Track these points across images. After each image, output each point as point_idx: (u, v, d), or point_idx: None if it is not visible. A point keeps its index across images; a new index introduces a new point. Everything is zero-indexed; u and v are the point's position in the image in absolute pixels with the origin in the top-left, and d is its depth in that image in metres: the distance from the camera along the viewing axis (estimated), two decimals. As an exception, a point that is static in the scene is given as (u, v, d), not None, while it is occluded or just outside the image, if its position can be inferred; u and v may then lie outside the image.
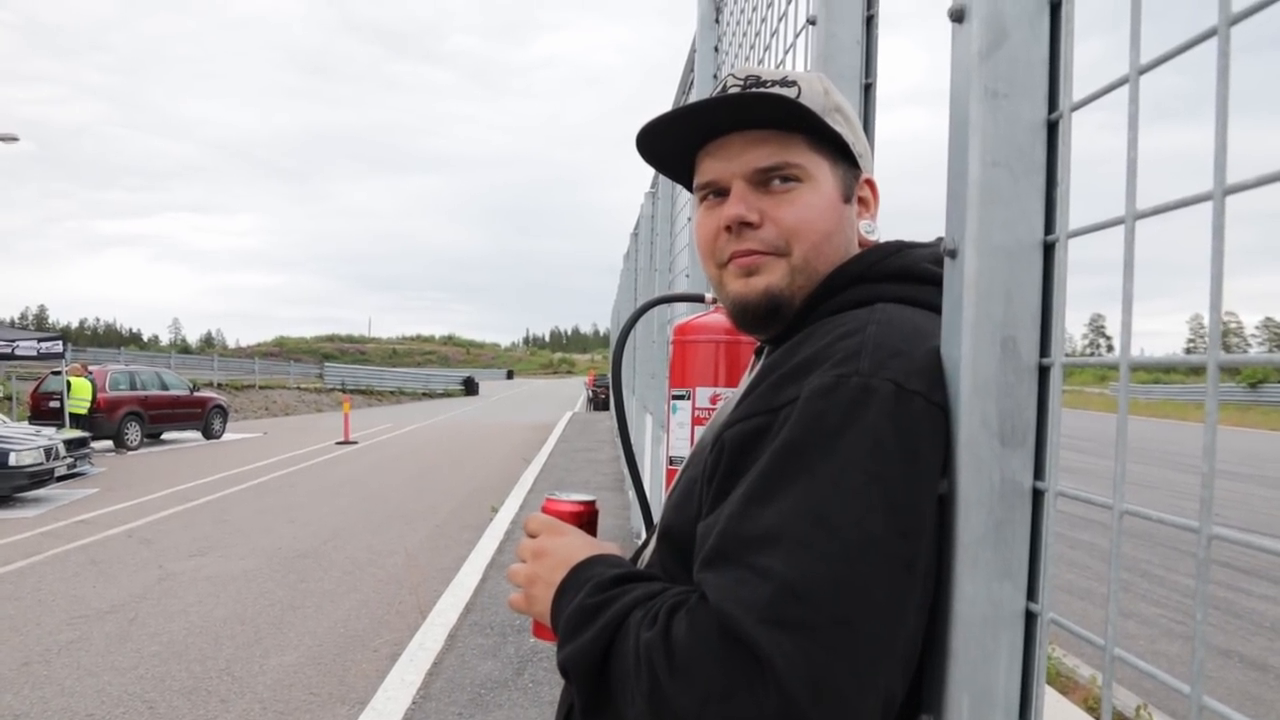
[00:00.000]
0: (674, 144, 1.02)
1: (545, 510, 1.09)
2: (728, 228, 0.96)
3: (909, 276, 0.94)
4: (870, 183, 1.03)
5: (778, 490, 0.77)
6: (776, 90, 0.95)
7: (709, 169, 0.99)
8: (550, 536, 1.02)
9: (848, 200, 0.99)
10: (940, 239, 1.01)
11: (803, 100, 0.94)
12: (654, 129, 1.00)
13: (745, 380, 1.05)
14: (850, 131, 0.99)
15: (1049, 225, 0.78)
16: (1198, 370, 0.60)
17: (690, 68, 4.24)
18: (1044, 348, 0.79)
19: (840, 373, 0.80)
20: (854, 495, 0.74)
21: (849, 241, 0.99)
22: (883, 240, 1.02)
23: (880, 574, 0.73)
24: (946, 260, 0.82)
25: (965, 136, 0.79)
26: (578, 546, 0.99)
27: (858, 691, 0.70)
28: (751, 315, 0.98)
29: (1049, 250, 0.79)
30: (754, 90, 0.96)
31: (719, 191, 0.99)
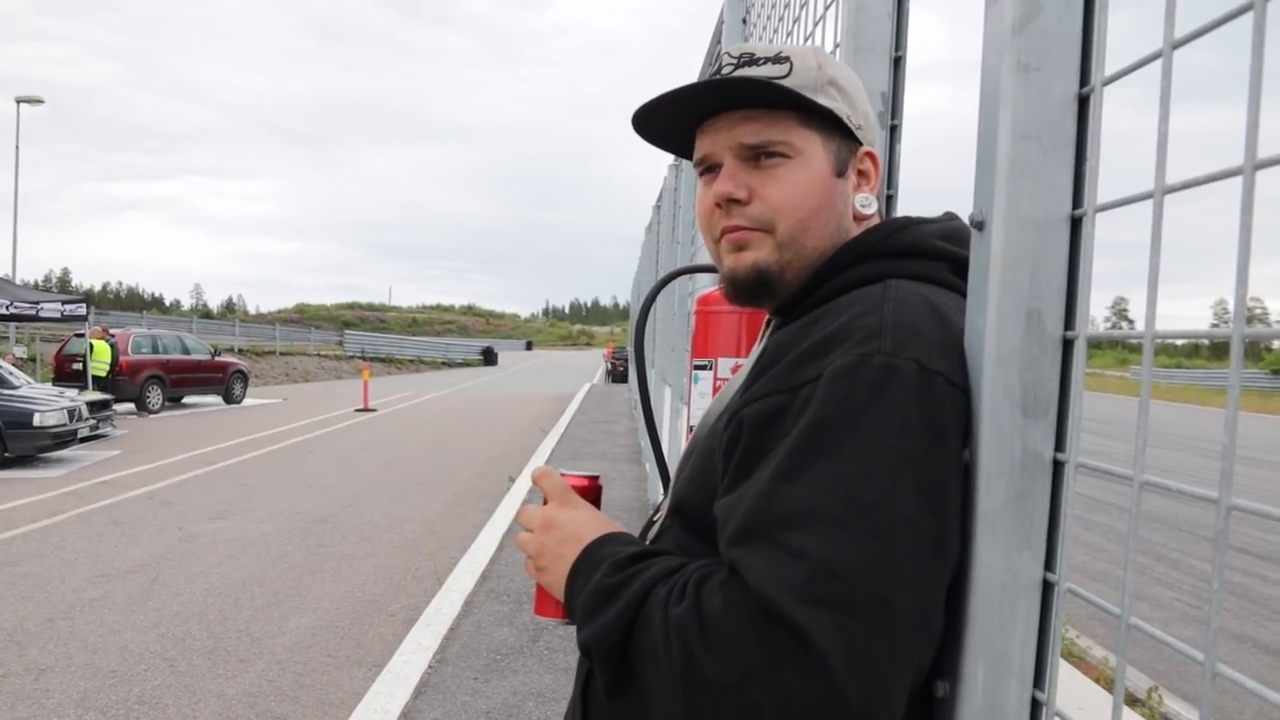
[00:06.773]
0: (669, 124, 1.04)
1: None
2: (718, 204, 0.98)
3: (918, 252, 0.94)
4: (871, 155, 1.02)
5: (806, 468, 0.77)
6: (767, 69, 0.96)
7: (703, 145, 1.01)
8: (560, 508, 1.01)
9: (841, 174, 0.99)
10: (948, 214, 1.02)
11: (792, 77, 0.95)
12: (646, 113, 1.02)
13: (756, 350, 1.06)
14: (846, 105, 0.98)
15: (1077, 199, 0.79)
16: (1220, 355, 0.61)
17: (717, 39, 4.21)
18: (1068, 321, 0.79)
19: (863, 351, 0.80)
20: (883, 474, 0.75)
21: (841, 216, 0.99)
22: (883, 216, 1.02)
23: (912, 551, 0.74)
24: (974, 232, 0.83)
25: (996, 109, 0.79)
26: (588, 522, 0.99)
27: (893, 666, 0.72)
28: (741, 288, 1.00)
29: (1076, 224, 0.79)
30: (737, 75, 0.97)
31: (713, 167, 1.00)
